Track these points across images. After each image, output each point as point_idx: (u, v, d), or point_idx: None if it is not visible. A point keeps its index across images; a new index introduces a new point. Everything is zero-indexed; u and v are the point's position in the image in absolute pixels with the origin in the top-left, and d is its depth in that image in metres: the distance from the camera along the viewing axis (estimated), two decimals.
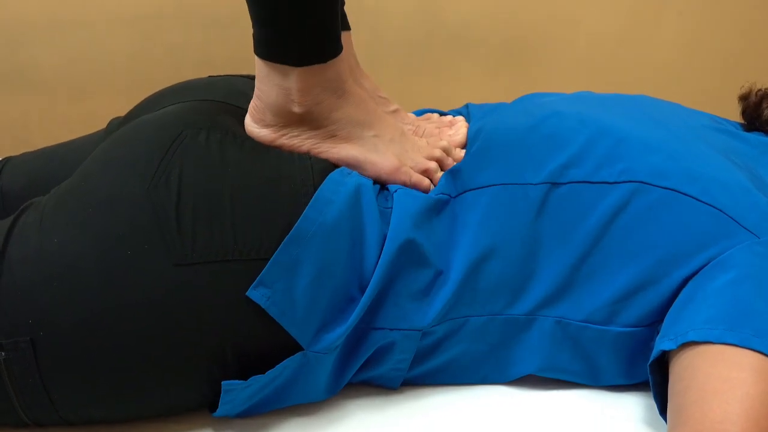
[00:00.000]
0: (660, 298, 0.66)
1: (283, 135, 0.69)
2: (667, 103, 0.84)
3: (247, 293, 0.62)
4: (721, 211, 0.65)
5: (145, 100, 0.80)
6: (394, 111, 0.82)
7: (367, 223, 0.66)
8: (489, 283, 0.68)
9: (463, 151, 0.76)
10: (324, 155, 0.70)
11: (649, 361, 0.63)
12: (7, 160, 0.88)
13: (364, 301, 0.65)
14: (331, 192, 0.65)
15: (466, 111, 0.87)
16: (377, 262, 0.66)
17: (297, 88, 0.66)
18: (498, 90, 0.98)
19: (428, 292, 0.68)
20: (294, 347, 0.64)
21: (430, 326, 0.68)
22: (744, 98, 0.86)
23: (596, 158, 0.69)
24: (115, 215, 0.62)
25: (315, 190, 0.65)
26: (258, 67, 0.67)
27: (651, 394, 0.64)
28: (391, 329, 0.67)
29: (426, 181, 0.72)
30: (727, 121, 0.86)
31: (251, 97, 0.70)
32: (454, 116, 0.85)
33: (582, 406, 0.70)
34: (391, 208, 0.68)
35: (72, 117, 1.47)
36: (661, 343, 0.62)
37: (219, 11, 1.43)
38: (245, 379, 0.63)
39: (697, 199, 0.66)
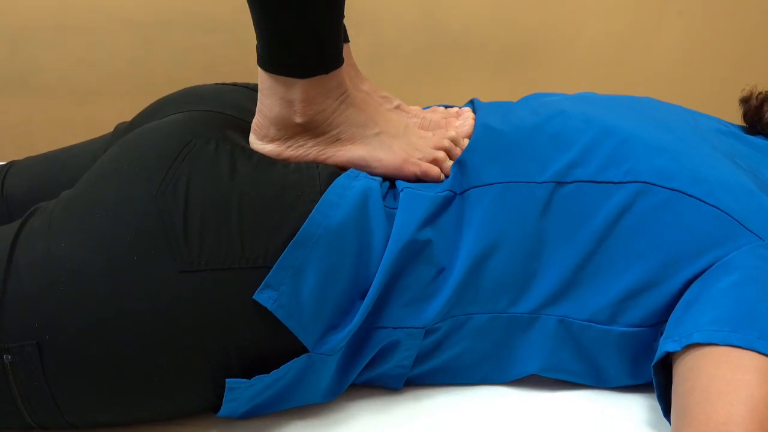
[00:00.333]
0: (664, 298, 0.66)
1: (289, 147, 0.70)
2: (672, 106, 0.84)
3: (254, 296, 0.62)
4: (725, 213, 0.66)
5: (152, 105, 0.81)
6: (397, 107, 0.82)
7: (374, 226, 0.66)
8: (492, 280, 0.68)
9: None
10: (331, 160, 0.71)
11: (653, 363, 0.63)
12: (11, 164, 0.88)
13: (368, 302, 0.65)
14: (338, 196, 0.66)
15: (472, 106, 0.87)
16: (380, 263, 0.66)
17: (300, 99, 0.66)
18: (500, 95, 0.98)
19: (431, 290, 0.68)
20: (298, 350, 0.64)
21: (433, 323, 0.68)
22: (745, 101, 0.86)
23: (601, 158, 0.69)
24: (122, 221, 0.62)
25: (321, 195, 0.65)
26: (261, 80, 0.67)
27: (651, 395, 0.65)
28: (395, 328, 0.68)
29: (435, 169, 0.72)
30: (731, 124, 0.86)
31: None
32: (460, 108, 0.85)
33: (583, 407, 0.70)
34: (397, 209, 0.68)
35: (75, 121, 1.47)
36: (665, 345, 0.62)
37: (221, 17, 1.44)
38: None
39: (702, 201, 0.66)
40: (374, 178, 0.70)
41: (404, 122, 0.76)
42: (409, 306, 0.68)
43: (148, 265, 0.61)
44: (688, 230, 0.66)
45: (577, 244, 0.67)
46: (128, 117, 0.84)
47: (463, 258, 0.68)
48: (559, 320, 0.69)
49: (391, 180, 0.72)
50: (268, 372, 0.64)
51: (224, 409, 0.65)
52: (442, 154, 0.73)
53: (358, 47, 0.82)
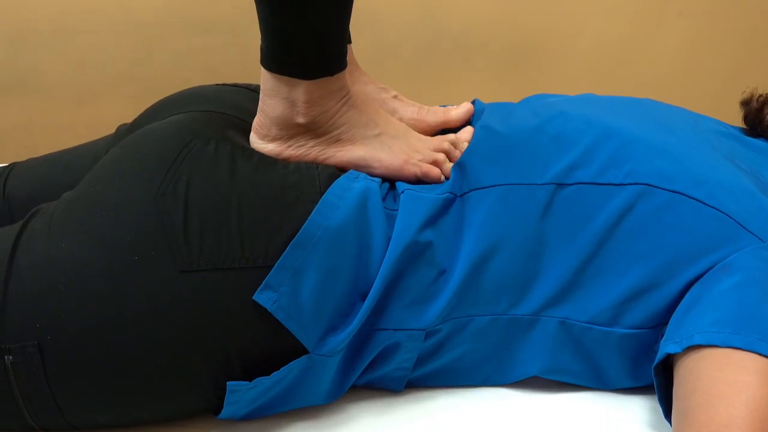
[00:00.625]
0: (665, 300, 0.66)
1: (290, 146, 0.70)
2: (673, 107, 0.84)
3: (253, 297, 0.62)
4: (726, 214, 0.65)
5: (153, 106, 0.81)
6: (394, 96, 0.82)
7: (373, 227, 0.66)
8: (492, 282, 0.68)
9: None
10: (331, 160, 0.71)
11: (654, 364, 0.63)
12: (13, 166, 0.88)
13: (368, 303, 0.65)
14: (337, 197, 0.66)
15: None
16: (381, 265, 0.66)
17: (303, 100, 0.66)
18: (500, 96, 0.98)
19: (432, 292, 0.68)
20: (299, 351, 0.64)
21: (433, 325, 0.68)
22: (745, 104, 0.86)
23: (602, 159, 0.69)
24: (123, 222, 0.62)
25: (321, 196, 0.65)
26: (264, 80, 0.67)
27: (655, 397, 0.64)
28: (396, 330, 0.68)
29: (436, 170, 0.72)
30: (731, 126, 0.86)
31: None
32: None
33: (587, 409, 0.70)
34: (398, 210, 0.68)
35: (76, 123, 1.47)
36: (666, 346, 0.62)
37: (223, 18, 1.44)
38: (250, 381, 0.64)
39: (703, 203, 0.66)
40: (374, 179, 0.70)
41: (404, 124, 0.76)
42: (410, 308, 0.68)
43: (149, 266, 0.61)
44: (689, 232, 0.66)
45: (577, 245, 0.67)
46: (130, 119, 0.84)
47: (464, 260, 0.68)
48: (560, 322, 0.69)
49: (390, 181, 0.72)
50: (269, 372, 0.64)
51: (225, 412, 0.65)
52: (441, 156, 0.73)
53: (358, 47, 0.82)
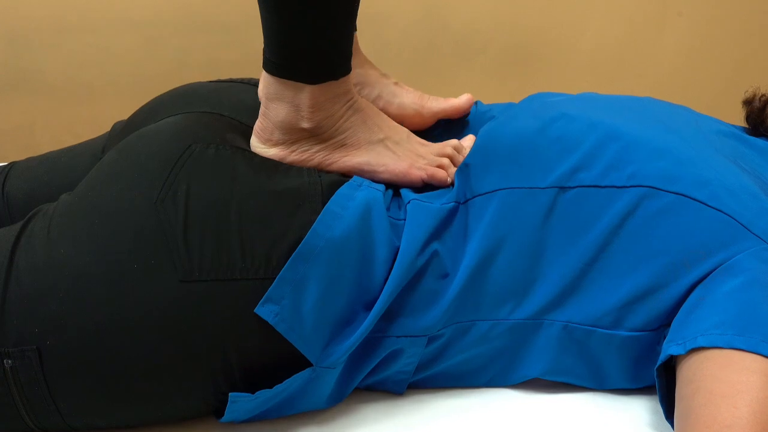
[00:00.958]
0: (668, 302, 0.66)
1: (293, 151, 0.70)
2: (675, 106, 0.83)
3: (255, 310, 0.61)
4: (729, 216, 0.65)
5: (149, 103, 0.80)
6: (395, 83, 0.82)
7: (377, 237, 0.66)
8: (494, 285, 0.68)
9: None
10: (335, 165, 0.70)
11: (656, 365, 0.63)
12: (12, 165, 0.88)
13: (373, 315, 0.64)
14: (340, 207, 0.65)
15: (475, 109, 0.87)
16: (387, 276, 0.65)
17: (308, 104, 0.66)
18: (501, 96, 0.98)
19: (434, 296, 0.68)
20: (301, 359, 0.64)
21: (435, 329, 0.68)
22: (748, 103, 0.86)
23: (605, 162, 0.69)
24: (122, 228, 0.62)
25: (324, 205, 0.65)
26: (266, 84, 0.67)
27: (657, 398, 0.64)
28: (399, 336, 0.67)
29: (442, 172, 0.72)
30: (732, 125, 0.86)
31: (257, 111, 0.70)
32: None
33: (589, 410, 0.70)
34: (404, 220, 0.68)
35: (77, 121, 1.47)
36: (669, 348, 0.61)
37: (224, 16, 1.44)
38: (252, 389, 0.63)
39: (706, 204, 0.66)
40: (377, 187, 0.69)
41: (406, 130, 0.76)
42: (413, 314, 0.67)
43: (149, 274, 0.60)
44: (691, 234, 0.65)
45: (580, 248, 0.67)
46: None
47: (466, 264, 0.67)
48: (563, 325, 0.68)
49: (394, 188, 0.72)
50: (270, 378, 0.64)
51: (226, 418, 0.65)
52: (446, 161, 0.73)
53: (360, 47, 0.82)
